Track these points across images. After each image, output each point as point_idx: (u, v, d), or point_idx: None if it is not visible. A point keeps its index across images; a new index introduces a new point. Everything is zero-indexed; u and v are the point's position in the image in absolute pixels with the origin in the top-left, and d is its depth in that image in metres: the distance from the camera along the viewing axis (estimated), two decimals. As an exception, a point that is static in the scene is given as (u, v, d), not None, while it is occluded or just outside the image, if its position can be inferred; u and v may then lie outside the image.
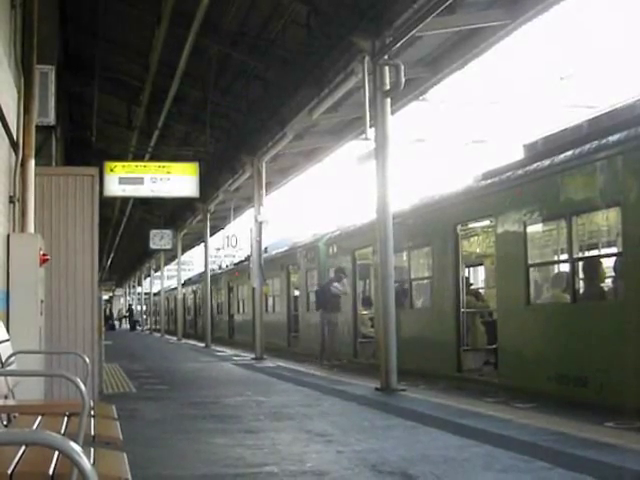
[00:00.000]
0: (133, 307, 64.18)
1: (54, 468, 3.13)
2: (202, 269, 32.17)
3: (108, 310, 59.34)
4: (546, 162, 11.16)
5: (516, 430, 7.50)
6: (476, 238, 16.31)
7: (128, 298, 74.71)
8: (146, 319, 62.94)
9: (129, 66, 16.96)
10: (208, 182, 22.26)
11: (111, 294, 69.72)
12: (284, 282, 24.79)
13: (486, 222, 14.07)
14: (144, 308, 64.61)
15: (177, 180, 17.05)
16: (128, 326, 61.03)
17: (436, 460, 6.17)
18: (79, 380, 3.91)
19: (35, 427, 4.25)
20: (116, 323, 62.31)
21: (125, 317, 67.37)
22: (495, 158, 18.89)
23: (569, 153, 10.67)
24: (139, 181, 16.89)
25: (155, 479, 5.69)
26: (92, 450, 3.50)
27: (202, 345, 27.65)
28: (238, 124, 19.17)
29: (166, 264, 47.43)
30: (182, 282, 41.18)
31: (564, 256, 10.99)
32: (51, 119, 10.25)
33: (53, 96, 10.20)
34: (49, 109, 10.16)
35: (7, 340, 5.78)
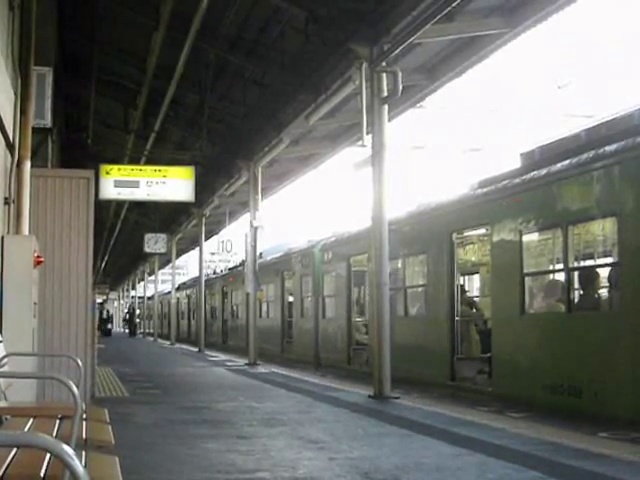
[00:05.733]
0: (135, 309, 56.94)
1: (46, 471, 3.10)
2: (196, 273, 32.15)
3: (105, 313, 53.97)
4: (543, 171, 11.16)
5: (510, 439, 7.47)
6: (472, 246, 16.29)
7: (122, 302, 74.44)
8: (139, 323, 62.16)
9: (126, 69, 16.94)
10: (204, 186, 22.23)
11: (105, 297, 69.28)
12: (278, 288, 24.76)
13: (482, 230, 14.07)
14: (138, 312, 63.99)
15: (173, 184, 17.01)
16: (125, 330, 58.79)
17: (429, 468, 6.15)
18: (72, 383, 3.88)
19: (27, 429, 4.22)
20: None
21: (126, 320, 61.58)
22: (492, 166, 18.90)
23: (566, 162, 10.68)
24: (135, 184, 16.84)
25: (147, 484, 5.66)
26: (84, 453, 3.47)
27: (195, 350, 27.60)
28: (235, 129, 19.14)
29: (160, 268, 47.33)
30: (176, 286, 41.12)
31: (559, 265, 10.98)
32: (47, 121, 10.22)
33: (50, 98, 10.17)
34: (46, 111, 10.12)
35: (0, 342, 5.76)
